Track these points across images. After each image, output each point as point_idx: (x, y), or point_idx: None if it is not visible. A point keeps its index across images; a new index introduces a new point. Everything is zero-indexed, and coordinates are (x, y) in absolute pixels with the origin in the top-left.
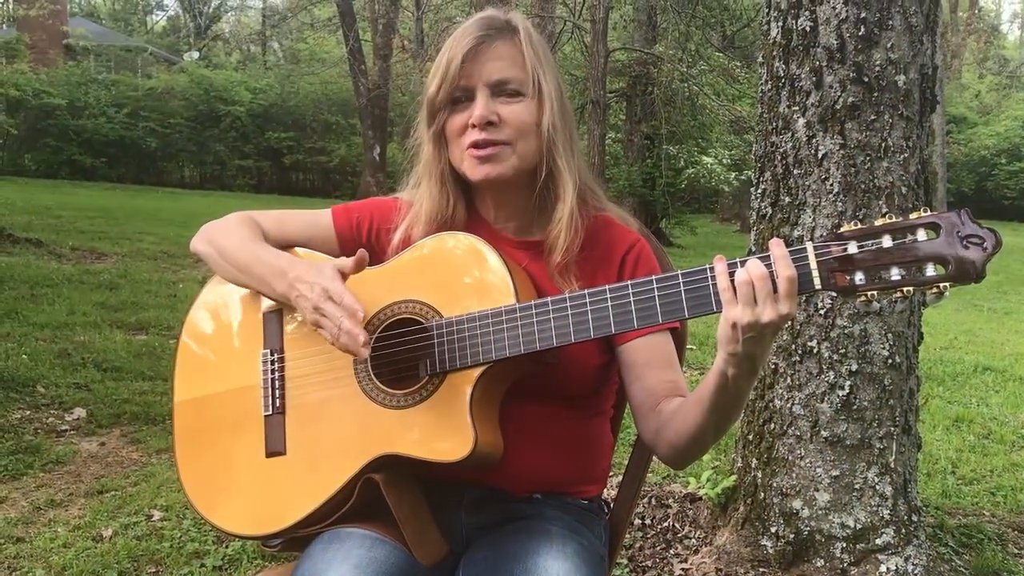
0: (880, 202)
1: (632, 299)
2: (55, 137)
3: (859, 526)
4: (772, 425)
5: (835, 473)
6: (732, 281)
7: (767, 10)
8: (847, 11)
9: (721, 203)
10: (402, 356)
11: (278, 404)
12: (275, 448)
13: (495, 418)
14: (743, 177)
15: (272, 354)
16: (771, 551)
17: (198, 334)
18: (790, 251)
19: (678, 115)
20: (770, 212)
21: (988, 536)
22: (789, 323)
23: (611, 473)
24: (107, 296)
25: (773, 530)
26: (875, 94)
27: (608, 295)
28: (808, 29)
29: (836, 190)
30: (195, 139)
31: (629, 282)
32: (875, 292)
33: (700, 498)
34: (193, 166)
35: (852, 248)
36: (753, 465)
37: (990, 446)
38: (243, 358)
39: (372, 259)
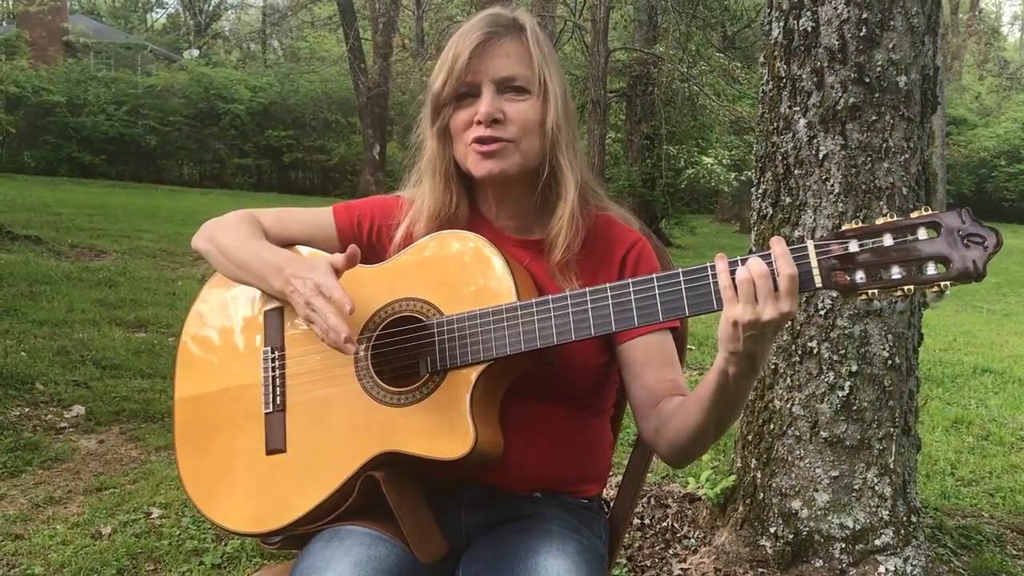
0: (881, 203)
1: (633, 297)
2: (54, 134)
3: (858, 527)
4: (772, 425)
5: (834, 474)
6: (733, 279)
7: (769, 10)
8: (849, 11)
9: (721, 203)
10: (403, 354)
11: (278, 402)
12: (275, 446)
13: (495, 417)
14: (743, 177)
15: (273, 352)
16: (770, 551)
17: (199, 331)
18: (791, 249)
19: (678, 115)
20: (771, 212)
21: (987, 537)
22: (789, 323)
23: (610, 472)
24: (106, 293)
25: (772, 530)
26: (876, 95)
27: (609, 293)
28: (810, 29)
29: (837, 191)
30: (194, 137)
31: (630, 280)
32: (876, 291)
33: (699, 498)
34: (192, 164)
35: (853, 246)
36: (752, 465)
37: (989, 448)
38: (244, 356)
39: (373, 257)
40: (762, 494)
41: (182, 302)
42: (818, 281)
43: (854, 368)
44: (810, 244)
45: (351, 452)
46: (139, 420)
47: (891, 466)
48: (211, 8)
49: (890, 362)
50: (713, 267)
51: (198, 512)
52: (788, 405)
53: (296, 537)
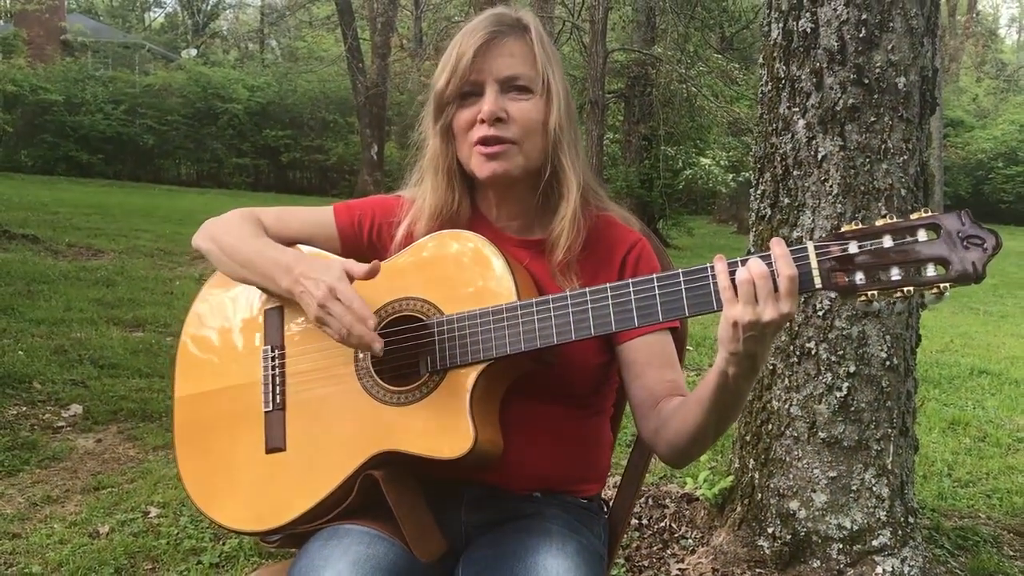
0: (879, 204)
1: (633, 297)
2: (52, 133)
3: (856, 527)
4: (770, 426)
5: (832, 474)
6: (733, 280)
7: (768, 11)
8: (848, 13)
9: (718, 204)
10: (403, 353)
11: (278, 400)
12: (275, 444)
13: (495, 416)
14: (740, 178)
15: (273, 350)
16: (768, 552)
17: (199, 330)
18: (791, 250)
19: (676, 116)
20: (769, 213)
21: (984, 538)
22: (788, 324)
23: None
24: (104, 293)
25: (770, 531)
26: (875, 96)
27: (609, 293)
28: (809, 31)
29: (835, 192)
30: (192, 136)
31: (630, 280)
32: (875, 292)
33: (697, 498)
34: (190, 163)
35: (853, 248)
36: (750, 466)
37: (986, 449)
38: (244, 355)
39: (373, 256)
40: (760, 494)
41: (180, 301)
42: (818, 282)
43: (852, 369)
44: (810, 245)
45: (350, 451)
46: (137, 419)
47: (889, 467)
48: (209, 7)
49: (888, 363)
50: (713, 268)
51: (197, 511)
52: (786, 406)
53: (295, 536)
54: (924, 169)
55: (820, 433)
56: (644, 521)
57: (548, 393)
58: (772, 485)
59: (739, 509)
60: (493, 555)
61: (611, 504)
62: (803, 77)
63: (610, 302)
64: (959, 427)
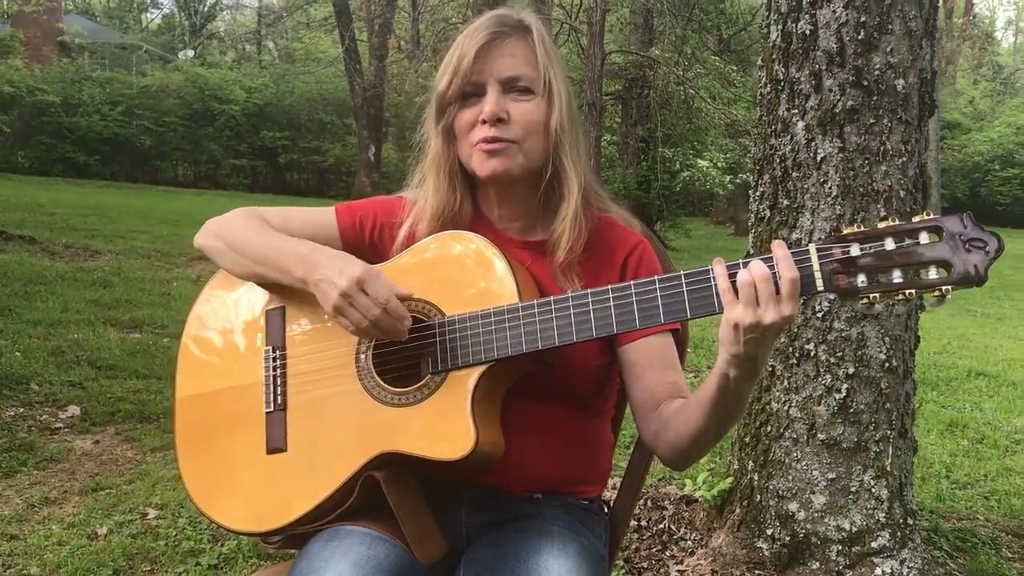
0: (878, 206)
1: (635, 299)
2: (49, 134)
3: (855, 529)
4: (769, 427)
5: (831, 476)
6: (733, 282)
7: (767, 13)
8: (847, 15)
9: (716, 206)
10: (404, 354)
11: (279, 401)
12: (276, 445)
13: (496, 417)
14: (738, 180)
15: (274, 351)
16: (767, 553)
17: (201, 331)
18: (792, 252)
19: (674, 118)
20: (768, 215)
21: (982, 540)
22: (788, 326)
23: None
24: (101, 294)
25: (769, 532)
26: (874, 98)
27: (611, 295)
28: (808, 33)
29: (834, 193)
30: (189, 138)
31: (632, 282)
32: (877, 295)
33: (696, 500)
34: (187, 165)
35: (855, 250)
36: (749, 467)
37: (984, 451)
38: (245, 355)
39: (375, 257)
40: (759, 496)
41: (177, 303)
42: (820, 285)
43: (851, 371)
44: (812, 247)
45: (352, 452)
46: (134, 421)
47: (888, 468)
48: (206, 9)
49: (887, 365)
50: (713, 270)
51: (198, 511)
52: (785, 407)
53: (296, 537)
54: (923, 171)
55: (819, 435)
56: (643, 523)
57: (549, 394)
58: (771, 487)
59: (738, 511)
60: (494, 556)
61: (611, 505)
62: (802, 79)
63: (612, 303)
64: (957, 429)
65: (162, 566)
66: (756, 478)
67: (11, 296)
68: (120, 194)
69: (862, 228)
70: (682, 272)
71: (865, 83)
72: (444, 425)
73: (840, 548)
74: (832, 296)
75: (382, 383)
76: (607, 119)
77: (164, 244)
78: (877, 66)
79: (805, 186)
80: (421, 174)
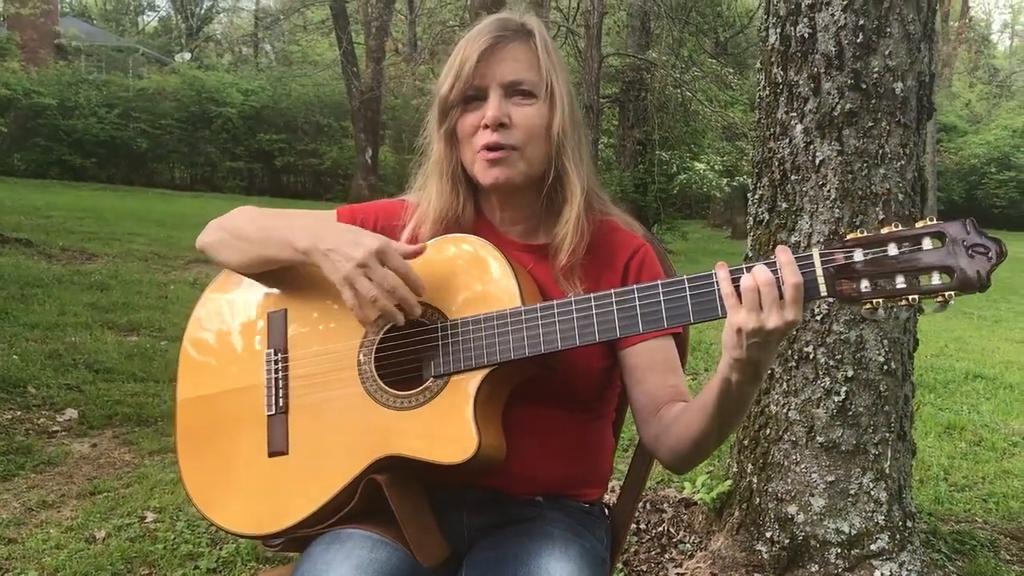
0: (877, 208)
1: (638, 303)
2: (45, 137)
3: (854, 532)
4: (768, 430)
5: (830, 478)
6: (736, 287)
7: (766, 16)
8: (845, 18)
9: (712, 209)
10: (406, 357)
11: (281, 404)
12: (277, 448)
13: (498, 420)
14: (735, 183)
15: (276, 354)
16: (766, 556)
17: (202, 333)
18: (796, 257)
19: (671, 121)
20: (767, 218)
21: (981, 543)
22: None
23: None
24: (98, 297)
25: (768, 535)
26: (873, 101)
27: (614, 298)
28: (807, 36)
29: (833, 196)
30: (186, 140)
31: (635, 286)
32: (879, 300)
33: (695, 503)
34: (184, 167)
35: (858, 256)
36: (748, 470)
37: (981, 453)
38: (247, 358)
39: None
40: (758, 499)
41: (174, 306)
42: (823, 290)
43: (850, 373)
44: (815, 252)
45: (353, 455)
46: (132, 424)
47: (887, 471)
48: (203, 11)
49: (886, 367)
50: (716, 275)
51: (198, 514)
52: (784, 410)
53: (297, 540)
54: (921, 174)
55: (818, 437)
56: (642, 526)
57: (552, 398)
58: (770, 489)
59: (737, 514)
60: (495, 558)
61: (612, 508)
62: (801, 82)
63: (615, 308)
64: (955, 431)
65: (160, 570)
66: (755, 481)
67: (8, 299)
68: (116, 197)
69: (865, 233)
70: (685, 276)
71: (864, 86)
72: (446, 429)
73: (839, 551)
74: (835, 300)
75: (384, 386)
76: (604, 122)
77: (161, 247)
78: (875, 69)
79: (804, 189)
80: (423, 177)
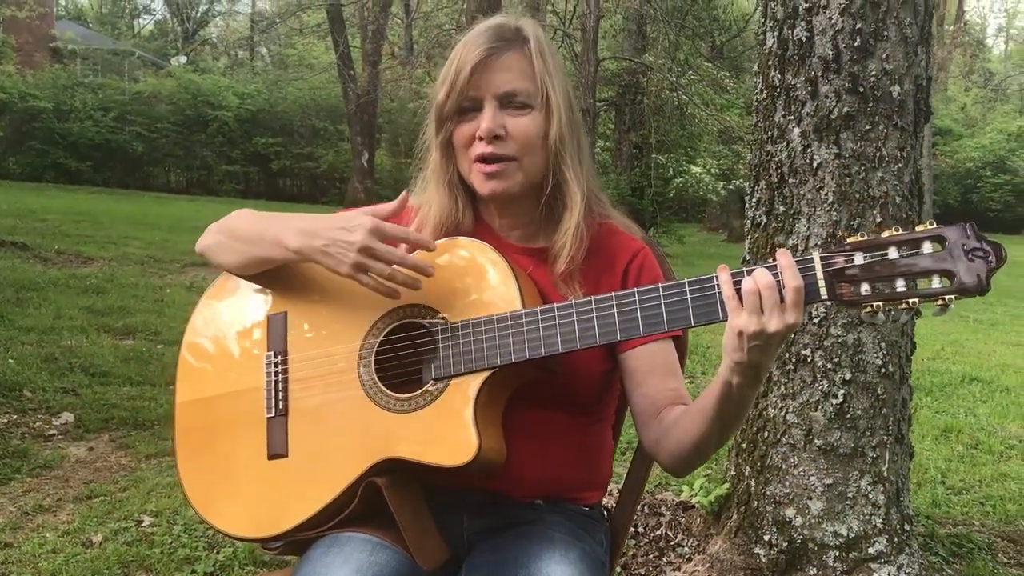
0: (874, 212)
1: (638, 306)
2: (40, 140)
3: (852, 535)
4: (766, 433)
5: (828, 482)
6: (737, 290)
7: (763, 20)
8: (843, 22)
9: (709, 212)
10: (406, 360)
11: (281, 406)
12: (277, 450)
13: (499, 424)
14: (731, 187)
15: (275, 356)
16: (764, 559)
17: (202, 335)
18: (796, 261)
19: (667, 124)
20: (765, 221)
21: (978, 546)
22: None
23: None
24: (94, 300)
25: (766, 538)
26: (870, 104)
27: (614, 302)
28: (804, 39)
29: (831, 199)
30: (182, 144)
31: (635, 289)
32: (880, 303)
33: (693, 506)
34: (180, 171)
35: (858, 259)
36: (746, 473)
37: (978, 456)
38: (246, 360)
39: None
40: (756, 502)
41: (171, 309)
42: (823, 293)
43: (848, 376)
44: (816, 256)
45: (353, 458)
46: (128, 428)
47: (884, 474)
48: (199, 15)
49: (883, 370)
50: (718, 278)
51: (197, 517)
52: (782, 413)
53: (296, 543)
54: (918, 177)
55: (816, 440)
56: (640, 529)
57: (552, 401)
58: (768, 492)
59: (735, 517)
60: (495, 562)
61: (612, 512)
62: (798, 85)
63: (615, 311)
64: (952, 434)
65: (157, 574)
66: (753, 484)
67: (3, 303)
68: (112, 200)
69: (865, 237)
70: (686, 279)
71: (861, 89)
72: (446, 431)
73: (837, 554)
74: (835, 304)
75: (384, 389)
76: (600, 125)
77: (157, 250)
78: (873, 72)
79: (801, 192)
80: (424, 181)
